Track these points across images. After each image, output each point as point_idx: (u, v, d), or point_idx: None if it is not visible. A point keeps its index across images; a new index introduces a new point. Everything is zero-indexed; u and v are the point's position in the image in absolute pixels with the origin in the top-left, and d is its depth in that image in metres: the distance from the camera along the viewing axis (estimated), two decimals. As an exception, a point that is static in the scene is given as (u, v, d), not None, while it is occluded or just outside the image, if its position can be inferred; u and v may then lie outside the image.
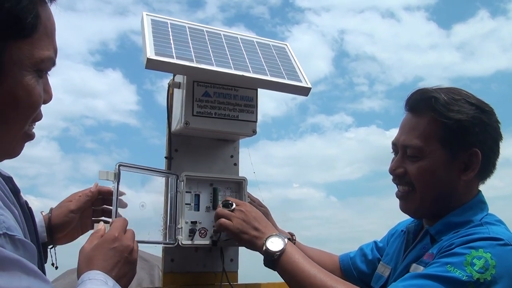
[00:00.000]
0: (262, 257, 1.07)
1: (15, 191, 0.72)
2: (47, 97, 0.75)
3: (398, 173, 1.16)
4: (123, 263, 0.86)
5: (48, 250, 1.09)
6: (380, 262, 1.34)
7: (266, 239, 1.06)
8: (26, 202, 0.76)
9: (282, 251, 1.04)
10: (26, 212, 0.75)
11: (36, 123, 0.76)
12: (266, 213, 1.36)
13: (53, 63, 0.73)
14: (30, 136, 0.76)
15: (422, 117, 1.14)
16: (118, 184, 1.03)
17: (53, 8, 0.73)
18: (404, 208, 1.19)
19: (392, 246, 1.34)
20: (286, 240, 1.06)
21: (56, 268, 1.10)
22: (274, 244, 1.06)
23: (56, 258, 1.09)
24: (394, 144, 1.20)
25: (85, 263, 0.84)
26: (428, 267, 1.00)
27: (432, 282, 0.94)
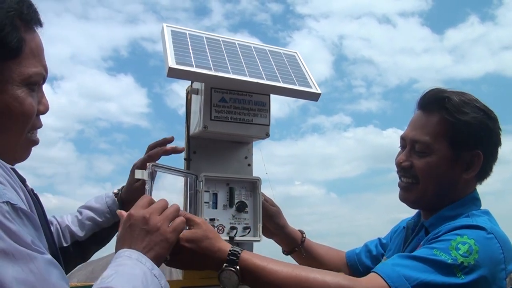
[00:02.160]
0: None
1: (22, 179, 0.80)
2: (43, 108, 0.89)
3: (404, 165, 1.25)
4: (149, 235, 0.90)
5: None
6: (384, 257, 1.43)
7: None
8: (32, 189, 0.85)
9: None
10: (34, 198, 0.83)
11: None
12: (278, 213, 1.45)
13: (42, 78, 0.85)
14: (34, 142, 0.90)
15: (433, 115, 1.23)
16: (152, 182, 1.12)
17: (41, 31, 0.87)
18: (404, 198, 1.29)
19: (394, 242, 1.45)
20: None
21: None
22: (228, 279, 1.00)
23: None
24: (403, 139, 1.30)
25: (119, 242, 0.91)
26: (416, 251, 1.09)
27: (419, 263, 1.03)
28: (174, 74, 1.17)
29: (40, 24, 0.87)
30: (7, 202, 0.66)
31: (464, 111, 1.19)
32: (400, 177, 1.29)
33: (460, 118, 1.19)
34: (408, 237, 1.33)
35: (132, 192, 1.27)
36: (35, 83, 0.83)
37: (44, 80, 0.87)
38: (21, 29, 0.81)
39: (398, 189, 1.30)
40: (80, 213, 1.28)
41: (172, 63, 1.17)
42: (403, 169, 1.26)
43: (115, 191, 1.32)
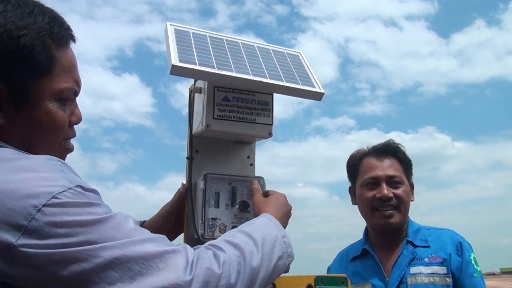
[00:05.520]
0: None
1: None
2: (75, 119, 0.96)
3: (390, 197, 1.73)
4: (286, 214, 1.15)
5: None
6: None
7: None
8: None
9: None
10: None
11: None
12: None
13: (73, 92, 0.91)
14: (68, 149, 0.97)
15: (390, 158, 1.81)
16: (205, 188, 1.24)
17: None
18: (391, 223, 1.71)
19: (358, 267, 1.73)
20: None
21: None
22: None
23: None
24: (375, 178, 1.79)
25: (264, 206, 1.15)
26: (469, 279, 1.57)
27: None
28: (177, 71, 1.17)
29: (73, 40, 0.93)
30: (79, 186, 0.75)
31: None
32: (380, 209, 1.68)
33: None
34: (382, 258, 1.70)
35: (157, 221, 1.34)
36: (66, 98, 0.89)
37: (76, 94, 0.93)
38: (52, 47, 0.86)
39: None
40: None
41: (175, 60, 1.17)
42: (387, 200, 1.67)
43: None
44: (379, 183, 1.70)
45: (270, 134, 1.34)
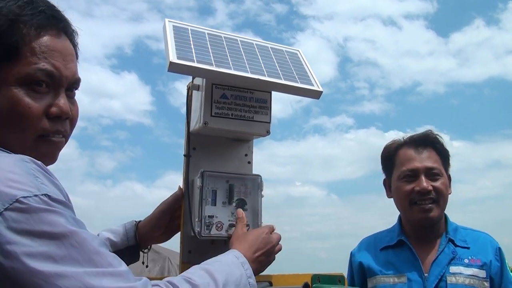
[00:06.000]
0: None
1: None
2: (56, 111, 0.84)
3: (429, 190, 1.64)
4: (265, 253, 1.09)
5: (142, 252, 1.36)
6: (381, 275, 1.62)
7: None
8: None
9: None
10: None
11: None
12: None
13: (47, 75, 0.83)
14: (52, 143, 0.87)
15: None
16: (202, 186, 1.23)
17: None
18: (430, 217, 1.62)
19: (391, 257, 1.65)
20: None
21: (147, 266, 1.42)
22: None
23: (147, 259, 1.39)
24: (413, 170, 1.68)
25: (237, 242, 1.10)
26: (510, 285, 1.57)
27: None
28: (175, 68, 1.17)
29: (55, 25, 0.87)
30: (46, 195, 0.70)
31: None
32: (419, 203, 1.60)
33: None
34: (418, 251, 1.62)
35: (151, 221, 1.33)
36: (35, 81, 0.82)
37: (54, 79, 0.85)
38: (22, 31, 0.81)
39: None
40: (98, 234, 1.31)
41: (173, 57, 1.17)
42: (427, 193, 1.59)
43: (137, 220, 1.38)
44: (417, 176, 1.62)
45: (268, 132, 1.34)
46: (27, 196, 0.67)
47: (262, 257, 1.08)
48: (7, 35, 0.80)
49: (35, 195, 0.68)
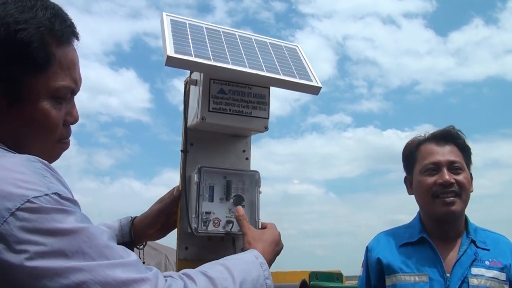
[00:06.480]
0: None
1: None
2: (72, 119, 0.93)
3: (452, 182, 1.63)
4: (276, 254, 1.12)
5: (137, 248, 1.35)
6: (401, 273, 1.59)
7: None
8: None
9: None
10: None
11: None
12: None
13: (70, 91, 0.89)
14: (62, 147, 0.95)
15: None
16: (199, 182, 1.22)
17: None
18: (452, 211, 1.62)
19: (411, 254, 1.62)
20: None
21: (143, 262, 1.35)
22: None
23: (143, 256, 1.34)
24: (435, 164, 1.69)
25: (254, 242, 1.09)
26: None
27: None
28: (173, 63, 1.15)
29: (76, 37, 0.91)
30: (56, 193, 0.72)
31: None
32: (441, 196, 1.59)
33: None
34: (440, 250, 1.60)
35: (147, 218, 1.33)
36: (62, 96, 0.87)
37: (73, 92, 0.91)
38: (52, 45, 0.84)
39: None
40: None
41: (170, 51, 1.15)
42: (449, 186, 1.59)
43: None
44: (439, 169, 1.61)
45: (266, 128, 1.32)
46: (38, 196, 0.69)
47: (273, 258, 1.10)
48: (39, 48, 0.82)
49: (46, 194, 0.70)
